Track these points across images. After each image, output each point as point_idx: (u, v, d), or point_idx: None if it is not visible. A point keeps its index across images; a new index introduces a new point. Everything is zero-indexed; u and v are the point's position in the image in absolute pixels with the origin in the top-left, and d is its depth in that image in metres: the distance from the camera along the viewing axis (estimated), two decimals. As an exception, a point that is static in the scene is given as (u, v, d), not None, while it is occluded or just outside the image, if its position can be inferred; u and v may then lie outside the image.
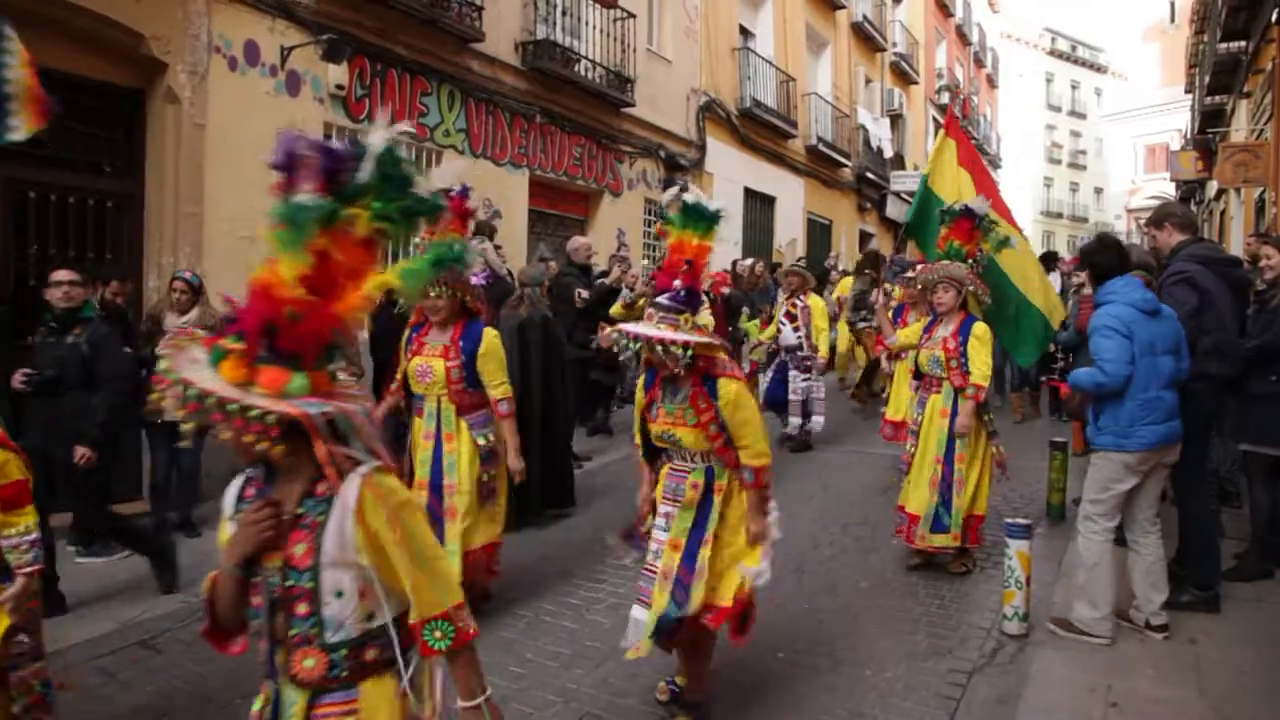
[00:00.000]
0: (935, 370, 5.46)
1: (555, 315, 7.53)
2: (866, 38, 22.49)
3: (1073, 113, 49.79)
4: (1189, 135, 23.24)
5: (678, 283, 3.38)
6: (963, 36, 33.07)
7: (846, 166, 21.45)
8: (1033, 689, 3.98)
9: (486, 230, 9.41)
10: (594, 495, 7.25)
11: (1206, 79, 16.44)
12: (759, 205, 17.72)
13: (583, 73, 11.45)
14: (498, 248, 9.57)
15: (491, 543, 4.73)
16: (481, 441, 4.63)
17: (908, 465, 5.62)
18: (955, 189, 6.47)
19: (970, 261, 5.60)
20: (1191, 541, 4.90)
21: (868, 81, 23.41)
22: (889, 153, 23.88)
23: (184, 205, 6.83)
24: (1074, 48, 50.27)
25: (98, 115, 6.71)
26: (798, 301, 9.00)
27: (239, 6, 7.26)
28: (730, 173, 16.03)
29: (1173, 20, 33.80)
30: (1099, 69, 50.76)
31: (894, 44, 24.69)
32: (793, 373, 8.96)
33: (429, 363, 4.59)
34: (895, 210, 24.40)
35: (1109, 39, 49.13)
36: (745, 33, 17.17)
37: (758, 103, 16.47)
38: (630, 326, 3.35)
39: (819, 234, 20.57)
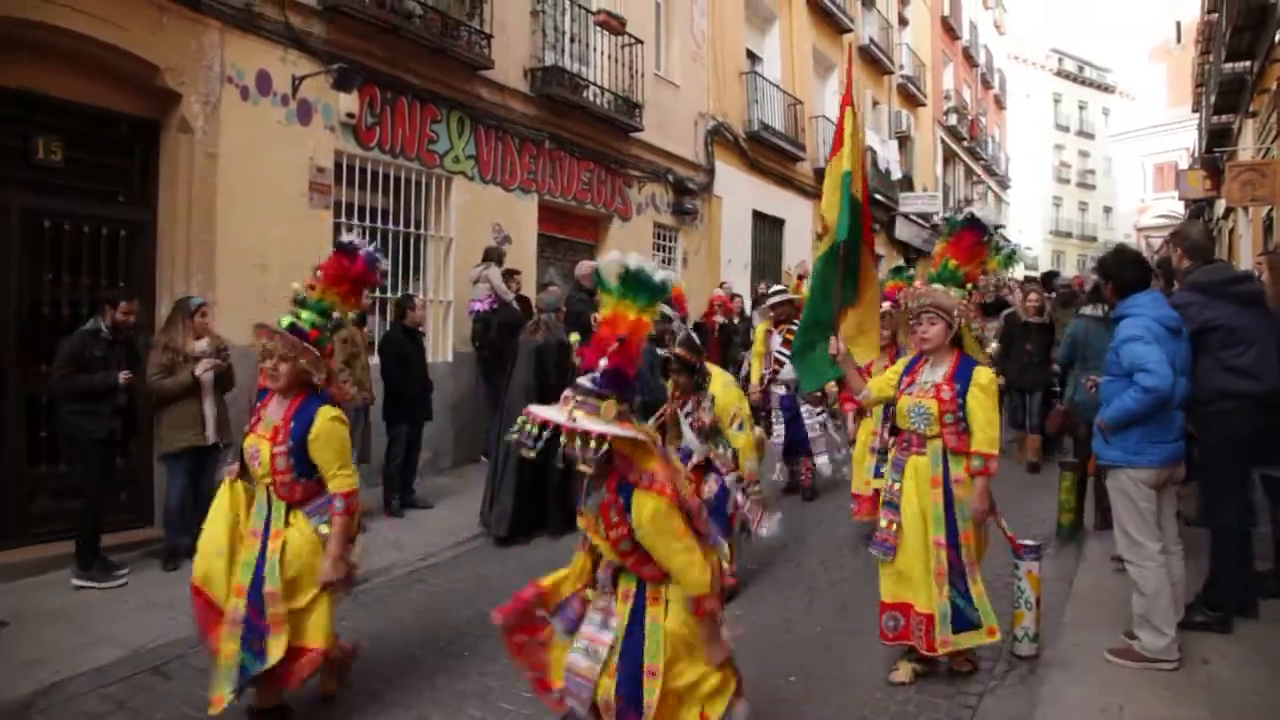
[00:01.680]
0: (919, 425, 4.17)
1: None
2: (873, 60, 22.61)
3: (1081, 132, 49.91)
4: (1197, 154, 23.23)
5: (604, 362, 2.82)
6: (970, 58, 33.24)
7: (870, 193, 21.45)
8: (1044, 710, 3.96)
9: (495, 256, 9.49)
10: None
11: (1213, 99, 16.47)
12: (767, 228, 17.80)
13: (591, 98, 11.55)
14: (516, 273, 9.65)
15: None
16: (324, 530, 3.85)
17: (891, 546, 4.25)
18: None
19: (970, 288, 4.42)
20: (1222, 562, 4.79)
21: (875, 104, 23.51)
22: (897, 174, 23.95)
23: (196, 233, 6.91)
24: (1081, 68, 50.47)
25: (112, 145, 6.81)
26: (794, 328, 7.83)
27: (251, 37, 7.37)
28: (739, 196, 16.11)
29: (1178, 40, 33.84)
30: (1106, 89, 50.90)
31: (901, 66, 24.83)
32: (805, 408, 8.05)
33: (257, 444, 3.83)
34: (904, 231, 24.46)
35: (1115, 59, 49.35)
36: (752, 57, 17.29)
37: (765, 126, 16.57)
38: (538, 409, 2.77)
39: (828, 256, 20.55)
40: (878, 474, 6.22)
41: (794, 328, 7.48)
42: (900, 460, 4.30)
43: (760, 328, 8.48)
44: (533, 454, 2.69)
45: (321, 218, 8.00)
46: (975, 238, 4.41)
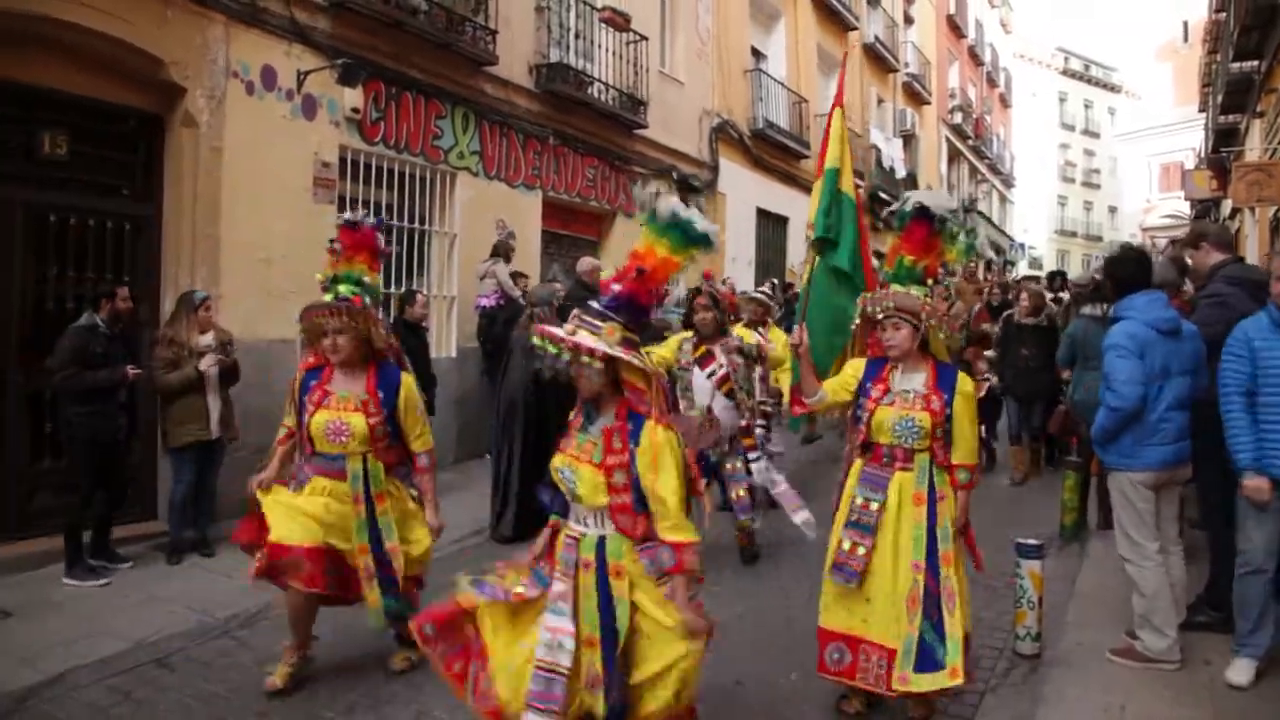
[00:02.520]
0: (907, 439, 3.76)
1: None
2: (878, 58, 22.57)
3: (1086, 131, 49.81)
4: (1203, 154, 23.18)
5: (617, 286, 2.90)
6: (975, 57, 33.19)
7: (859, 187, 21.39)
8: (1046, 709, 3.96)
9: (503, 252, 9.48)
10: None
11: (1220, 98, 16.43)
12: (772, 225, 17.77)
13: (595, 95, 11.54)
14: (523, 276, 9.63)
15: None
16: (413, 492, 4.33)
17: (856, 572, 3.78)
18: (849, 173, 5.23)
19: (930, 284, 3.90)
20: (1223, 563, 4.71)
21: (880, 102, 23.48)
22: (901, 173, 23.90)
23: (201, 228, 6.91)
24: (1087, 67, 50.36)
25: (117, 139, 6.81)
26: (759, 335, 7.18)
27: (256, 31, 7.37)
28: (743, 193, 16.09)
29: (1185, 40, 33.79)
30: (1112, 88, 50.77)
31: (906, 64, 24.79)
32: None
33: (341, 419, 4.03)
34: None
35: (1121, 58, 49.21)
36: (757, 54, 17.27)
37: (770, 123, 16.54)
38: (547, 327, 2.92)
39: (832, 254, 20.55)
40: None
41: (759, 335, 7.05)
42: (880, 477, 3.82)
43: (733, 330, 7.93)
44: (551, 374, 2.88)
45: (326, 213, 7.99)
46: (926, 229, 3.84)
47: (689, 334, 6.03)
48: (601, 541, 2.94)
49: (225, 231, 7.06)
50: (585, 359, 2.81)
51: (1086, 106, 50.23)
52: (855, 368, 4.04)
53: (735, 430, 5.96)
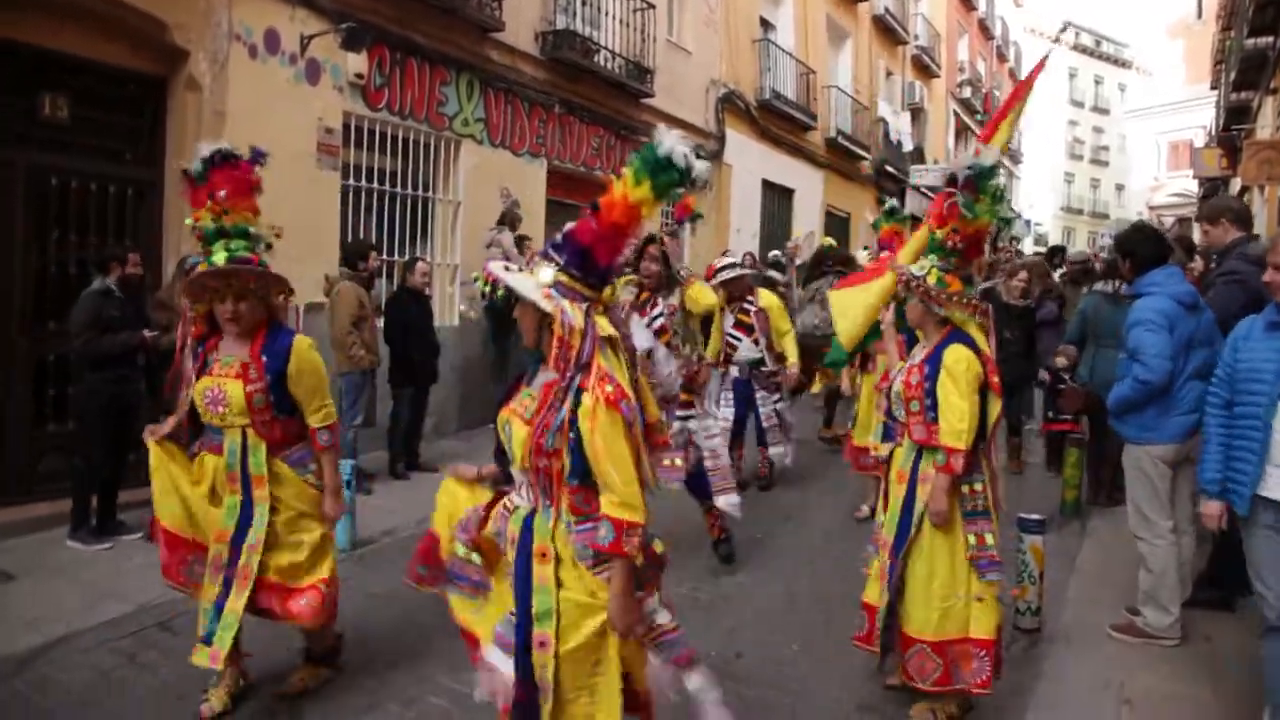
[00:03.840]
0: (898, 411, 3.75)
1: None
2: (888, 30, 22.34)
3: (1095, 108, 49.42)
4: (1213, 132, 22.99)
5: (568, 226, 2.49)
6: (985, 30, 32.86)
7: (866, 160, 21.35)
8: (1045, 684, 3.97)
9: (510, 220, 9.43)
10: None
11: (1233, 75, 16.25)
12: (777, 197, 17.69)
13: (602, 63, 11.43)
14: (527, 239, 9.57)
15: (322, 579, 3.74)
16: (311, 479, 3.70)
17: (877, 546, 3.78)
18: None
19: (950, 254, 3.65)
20: (1225, 539, 4.55)
21: (888, 74, 23.27)
22: (909, 146, 23.76)
23: (204, 192, 6.86)
24: (1098, 43, 49.88)
25: (119, 103, 6.76)
26: (748, 306, 7.03)
27: (260, -6, 7.29)
28: (749, 164, 16.00)
29: (1199, 15, 33.38)
30: (1123, 64, 50.31)
31: (916, 37, 24.54)
32: (760, 394, 7.07)
33: (219, 386, 3.51)
34: (914, 204, 24.24)
35: (1133, 34, 48.70)
36: (766, 24, 17.09)
37: (777, 94, 16.40)
38: (489, 265, 2.57)
39: (837, 227, 20.47)
40: (887, 438, 5.94)
41: (747, 306, 6.97)
42: (893, 445, 3.89)
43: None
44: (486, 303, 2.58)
45: (329, 179, 7.95)
46: (944, 198, 3.64)
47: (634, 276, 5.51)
48: (529, 518, 2.53)
49: (228, 197, 7.00)
50: (488, 289, 2.52)
51: (1097, 83, 49.78)
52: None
53: (674, 393, 5.25)
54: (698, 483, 5.39)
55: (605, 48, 11.52)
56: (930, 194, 25.48)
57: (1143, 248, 4.52)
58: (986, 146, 3.78)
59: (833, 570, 5.52)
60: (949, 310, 3.57)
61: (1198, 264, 5.42)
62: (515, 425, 2.53)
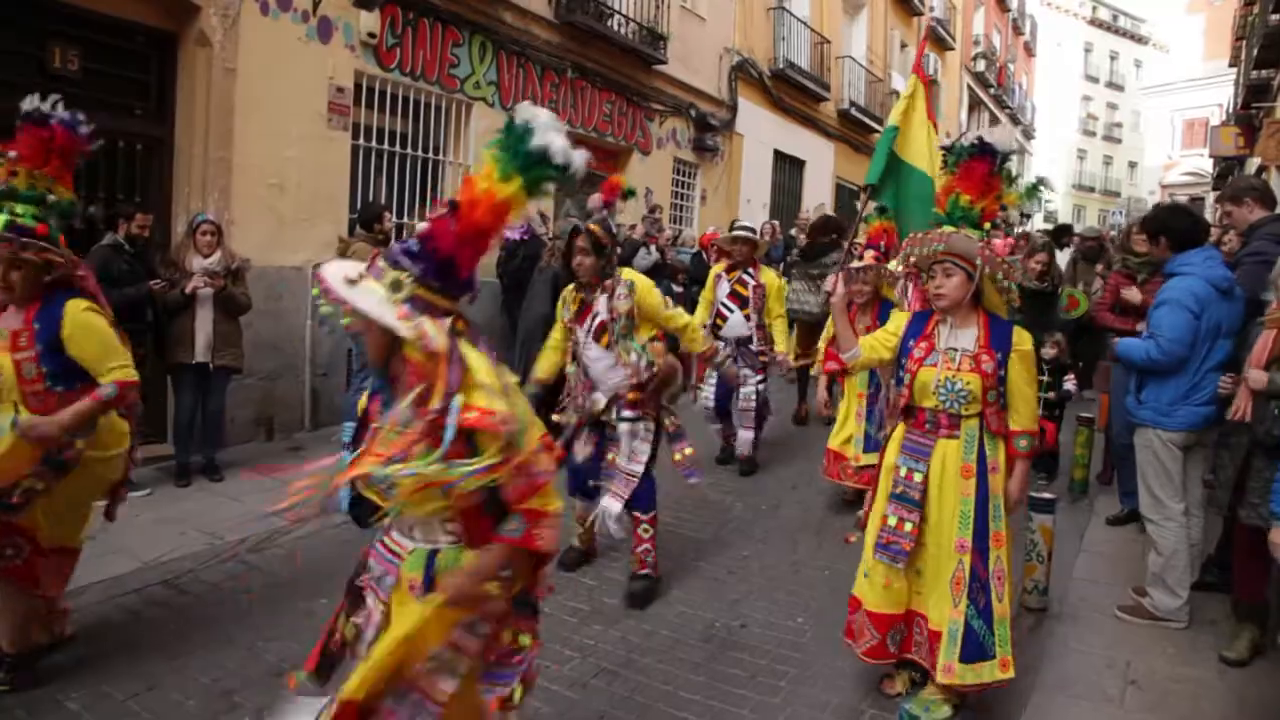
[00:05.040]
0: (953, 404, 3.39)
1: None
2: (903, 1, 22.06)
3: (1110, 84, 48.90)
4: (1231, 110, 22.72)
5: (420, 227, 2.12)
6: (1001, 3, 32.46)
7: (878, 132, 21.07)
8: (1051, 663, 3.97)
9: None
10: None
11: (1254, 52, 16.01)
12: (788, 168, 17.56)
13: (615, 28, 11.30)
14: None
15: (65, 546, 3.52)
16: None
17: (904, 551, 3.43)
18: (925, 153, 5.00)
19: (987, 228, 3.48)
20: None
21: (903, 46, 23.01)
22: (922, 119, 23.50)
23: (213, 150, 6.80)
24: (1115, 17, 49.24)
25: (129, 57, 6.67)
26: (746, 278, 6.78)
27: (272, -51, 7.18)
28: (761, 134, 15.86)
29: (1220, -9, 32.95)
30: (1140, 40, 49.71)
31: (931, 8, 24.23)
32: (744, 371, 6.73)
33: None
34: (925, 178, 24.02)
35: (1152, 9, 48.04)
36: (781, -8, 16.90)
37: (791, 64, 16.22)
38: (321, 272, 2.09)
39: (847, 199, 20.34)
40: (869, 447, 5.66)
41: (746, 278, 6.75)
42: (922, 445, 3.46)
43: (711, 271, 7.19)
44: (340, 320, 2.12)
45: (340, 139, 7.88)
46: (987, 167, 3.41)
47: (570, 288, 4.85)
48: (432, 556, 2.24)
49: (238, 155, 6.95)
50: (323, 304, 2.07)
51: (1112, 58, 49.21)
52: (897, 323, 3.68)
53: (622, 389, 4.63)
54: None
55: (619, 12, 11.38)
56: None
57: (1179, 223, 4.45)
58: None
59: (838, 542, 5.51)
60: (1004, 279, 3.39)
61: (1231, 240, 5.30)
62: (389, 469, 2.10)
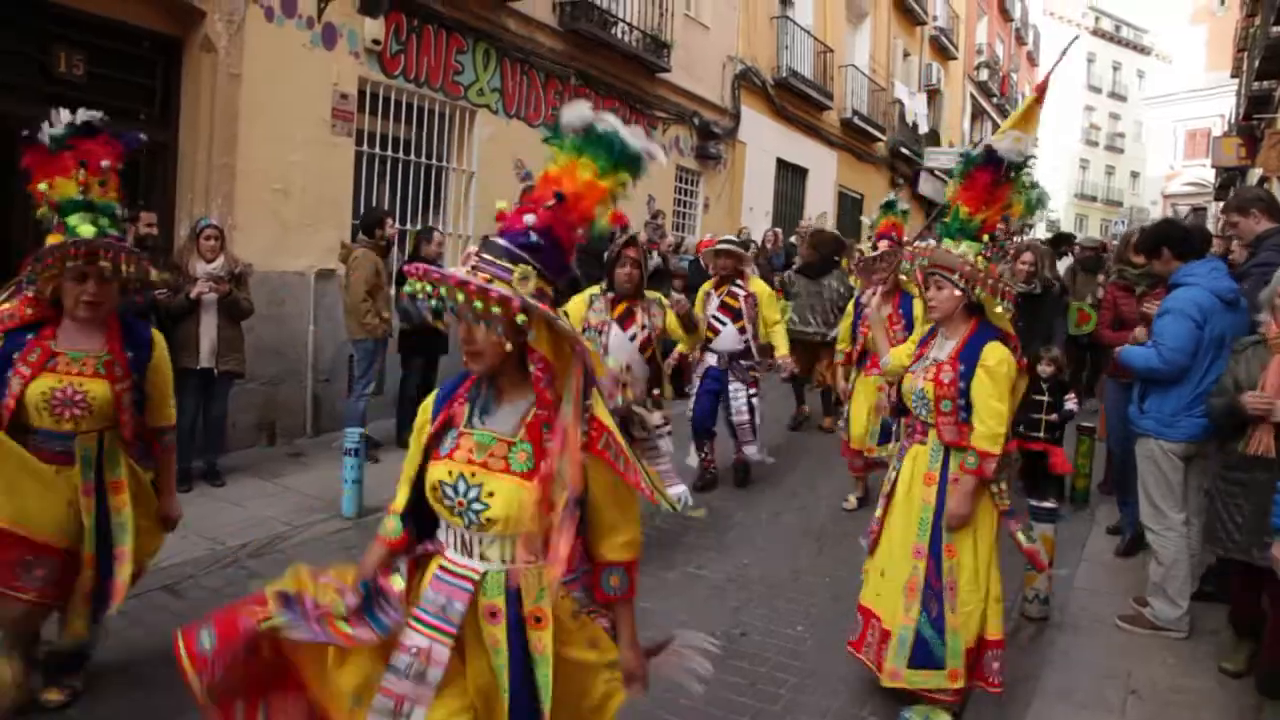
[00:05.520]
0: (919, 410, 3.52)
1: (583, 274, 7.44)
2: (907, 10, 22.12)
3: (1113, 94, 48.98)
4: (1233, 121, 22.75)
5: (530, 218, 1.99)
6: (1004, 12, 32.51)
7: (881, 141, 21.20)
8: (1052, 672, 3.97)
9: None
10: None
11: (1256, 63, 16.04)
12: (791, 177, 17.58)
13: (619, 36, 11.33)
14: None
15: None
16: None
17: (874, 539, 3.68)
18: None
19: (986, 240, 3.44)
20: None
21: (906, 55, 23.07)
22: (924, 128, 23.56)
23: (217, 156, 6.82)
24: (1118, 28, 49.35)
25: (134, 62, 6.70)
26: (736, 290, 6.56)
27: (277, -44, 7.21)
28: (764, 143, 15.89)
29: (1222, 2, 33.00)
30: (1143, 50, 49.81)
31: (934, 18, 24.29)
32: (734, 385, 6.50)
33: (78, 386, 3.08)
34: (928, 187, 24.10)
35: (1154, 20, 48.11)
36: (784, 1, 16.92)
37: (794, 73, 16.26)
38: (428, 266, 1.98)
39: (850, 208, 20.37)
40: (883, 439, 5.88)
41: (735, 290, 6.54)
42: (904, 446, 3.65)
43: (700, 290, 6.92)
44: (438, 322, 2.04)
45: (344, 145, 7.90)
46: (990, 177, 3.40)
47: (597, 288, 5.06)
48: (514, 591, 2.06)
49: (241, 161, 6.97)
50: (491, 311, 1.87)
51: (1115, 68, 49.30)
52: (919, 335, 3.80)
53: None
54: None
55: (623, 20, 11.41)
56: (945, 177, 25.33)
57: (1181, 234, 4.50)
58: (1020, 134, 3.47)
59: (838, 550, 5.51)
60: (998, 302, 3.37)
61: (1237, 251, 5.23)
62: (494, 481, 2.01)
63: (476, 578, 2.07)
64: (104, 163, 3.10)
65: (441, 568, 2.11)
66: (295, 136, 7.40)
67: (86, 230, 3.00)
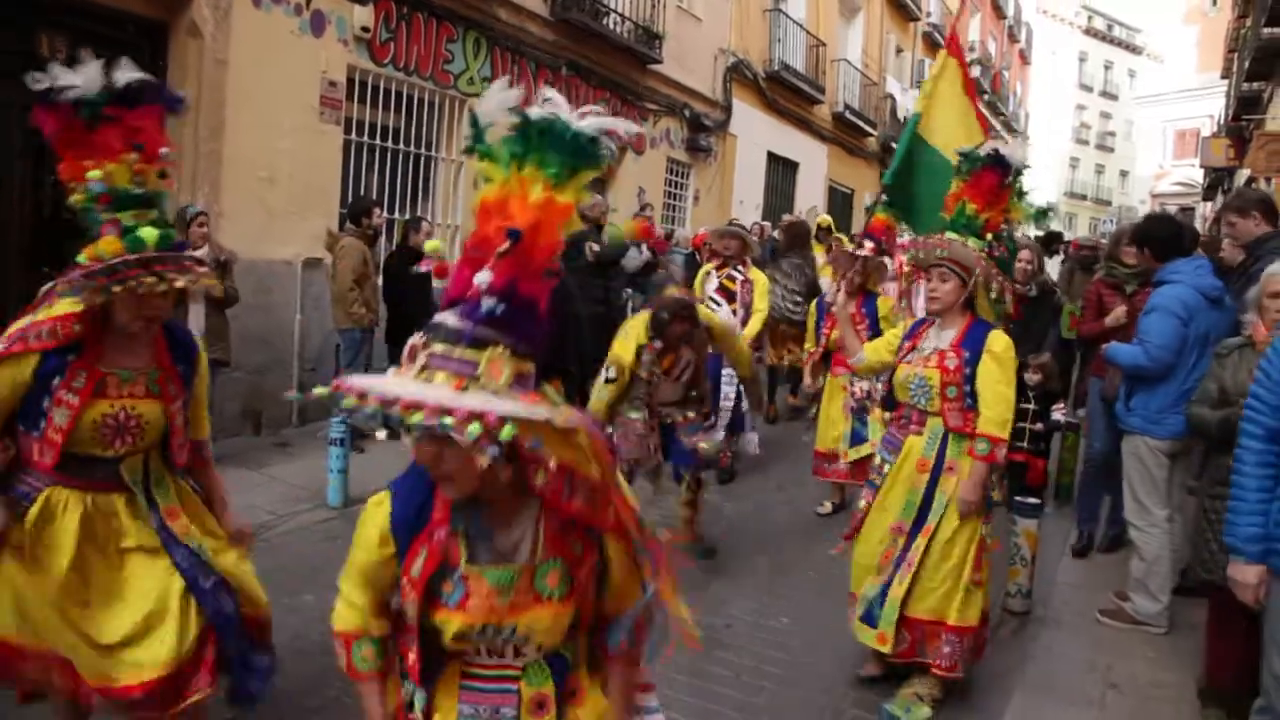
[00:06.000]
0: (919, 399, 3.56)
1: (568, 270, 7.43)
2: (900, 6, 22.14)
3: (1104, 93, 49.15)
4: (1222, 121, 22.86)
5: (483, 278, 1.53)
6: (998, 9, 32.55)
7: (872, 136, 21.22)
8: (1033, 666, 3.99)
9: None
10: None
11: (1246, 64, 16.12)
12: (781, 170, 17.60)
13: (611, 26, 11.30)
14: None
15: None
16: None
17: (855, 526, 3.76)
18: (960, 133, 4.71)
19: (989, 239, 3.60)
20: None
21: (898, 51, 23.09)
22: (915, 125, 23.57)
23: (204, 143, 6.77)
24: (1110, 27, 49.53)
25: (119, 46, 6.55)
26: (735, 274, 6.64)
27: (266, -59, 7.16)
28: (755, 136, 15.89)
29: (1214, 3, 33.11)
30: (1134, 50, 50.02)
31: (928, 14, 24.31)
32: (726, 371, 6.08)
33: (132, 409, 2.60)
34: (918, 183, 24.10)
35: (1147, 20, 48.42)
36: (777, -6, 16.94)
37: (786, 66, 16.25)
38: (360, 380, 1.52)
39: (840, 202, 20.40)
40: (855, 440, 5.78)
41: (734, 274, 6.61)
42: (895, 439, 3.68)
43: (701, 270, 7.06)
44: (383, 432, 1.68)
45: (332, 133, 7.86)
46: (997, 179, 3.58)
47: (643, 332, 4.63)
48: (561, 666, 1.85)
49: (228, 148, 6.92)
50: (467, 435, 1.43)
51: (1106, 67, 49.47)
52: (901, 328, 3.86)
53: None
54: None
55: (615, 11, 11.38)
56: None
57: (1162, 233, 4.50)
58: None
59: (824, 543, 5.51)
60: (994, 291, 3.50)
61: (1228, 249, 5.20)
62: (530, 616, 1.75)
63: (518, 674, 1.82)
64: (163, 150, 2.56)
65: (467, 674, 1.81)
66: (283, 124, 7.35)
67: (150, 235, 2.47)
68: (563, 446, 1.56)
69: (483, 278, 1.52)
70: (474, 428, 1.42)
